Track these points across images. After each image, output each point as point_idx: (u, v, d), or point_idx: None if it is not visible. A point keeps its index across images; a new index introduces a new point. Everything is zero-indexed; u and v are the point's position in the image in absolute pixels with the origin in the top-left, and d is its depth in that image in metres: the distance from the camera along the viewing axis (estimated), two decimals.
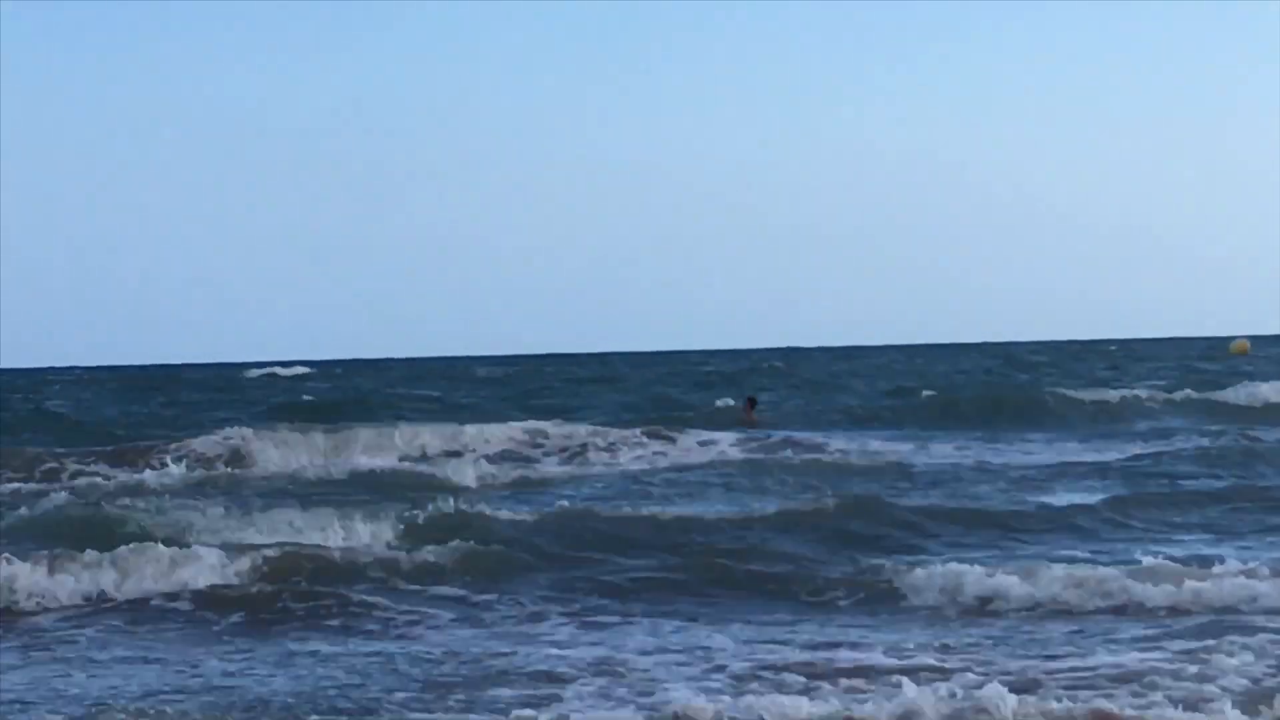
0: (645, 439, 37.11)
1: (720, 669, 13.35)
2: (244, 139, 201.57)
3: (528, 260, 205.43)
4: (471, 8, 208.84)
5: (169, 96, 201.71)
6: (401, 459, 34.63)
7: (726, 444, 35.97)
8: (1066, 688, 12.18)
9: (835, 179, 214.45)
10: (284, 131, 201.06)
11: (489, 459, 33.77)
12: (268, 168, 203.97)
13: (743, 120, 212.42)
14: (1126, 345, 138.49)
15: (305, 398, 65.37)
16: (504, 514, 22.42)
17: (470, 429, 38.26)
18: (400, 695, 12.61)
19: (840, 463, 31.53)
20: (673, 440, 37.00)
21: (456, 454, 35.54)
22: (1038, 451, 35.04)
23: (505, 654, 14.15)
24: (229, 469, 32.85)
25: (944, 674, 12.74)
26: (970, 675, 12.65)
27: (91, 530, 20.75)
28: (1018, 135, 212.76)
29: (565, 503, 24.31)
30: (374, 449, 35.83)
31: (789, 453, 34.06)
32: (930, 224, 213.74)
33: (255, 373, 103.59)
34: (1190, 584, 16.06)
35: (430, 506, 22.30)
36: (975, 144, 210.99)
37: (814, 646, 14.15)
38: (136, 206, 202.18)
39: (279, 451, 35.25)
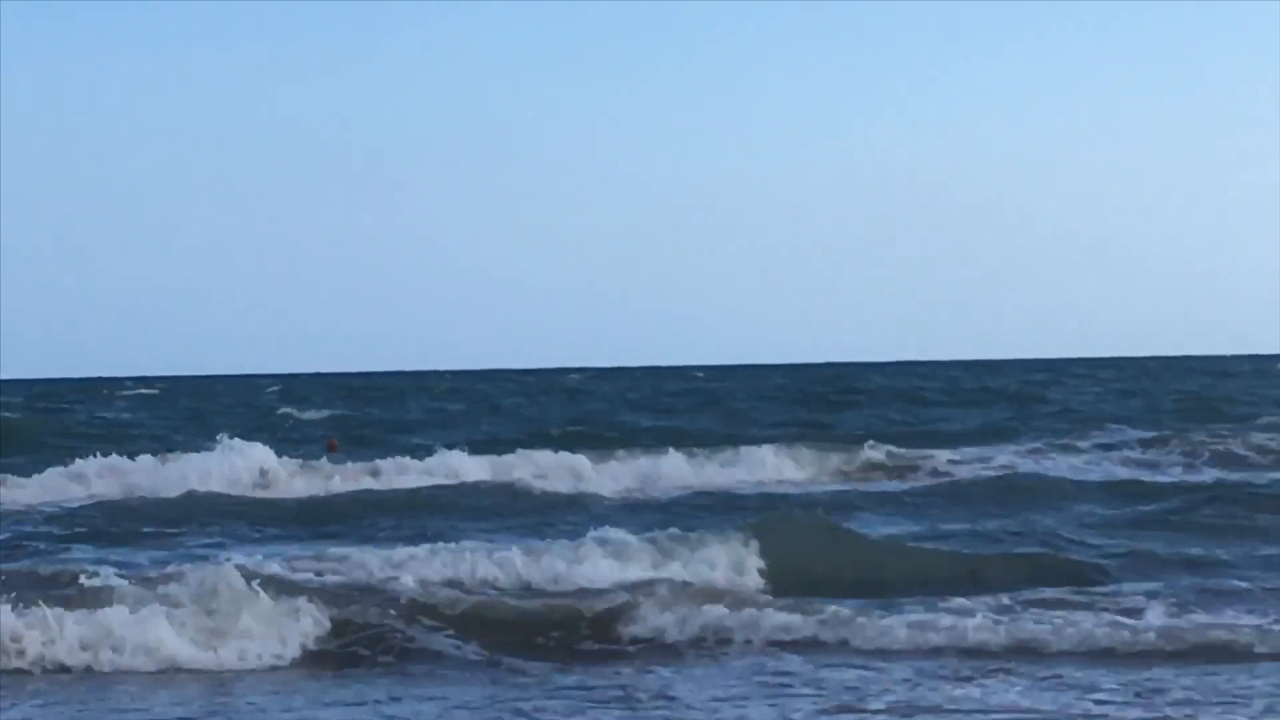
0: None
1: None
2: (269, 149, 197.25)
3: (536, 273, 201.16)
4: (485, 14, 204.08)
5: (185, 107, 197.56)
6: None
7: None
8: None
9: (848, 192, 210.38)
10: (309, 142, 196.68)
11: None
12: (297, 179, 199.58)
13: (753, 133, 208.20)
14: (1153, 363, 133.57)
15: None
16: None
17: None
18: None
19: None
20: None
21: None
22: None
23: None
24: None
25: None
26: None
27: None
28: (1031, 149, 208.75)
29: None
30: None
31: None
32: (936, 238, 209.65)
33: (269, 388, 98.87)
34: None
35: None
36: (992, 159, 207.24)
37: None
38: (161, 216, 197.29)
39: None
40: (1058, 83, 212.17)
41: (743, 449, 34.88)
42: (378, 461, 33.50)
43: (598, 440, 40.52)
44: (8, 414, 54.90)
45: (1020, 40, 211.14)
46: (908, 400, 67.52)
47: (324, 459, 36.01)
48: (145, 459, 32.44)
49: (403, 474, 32.11)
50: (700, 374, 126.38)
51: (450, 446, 35.01)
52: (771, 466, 33.43)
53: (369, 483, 31.20)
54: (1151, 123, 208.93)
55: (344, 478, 32.02)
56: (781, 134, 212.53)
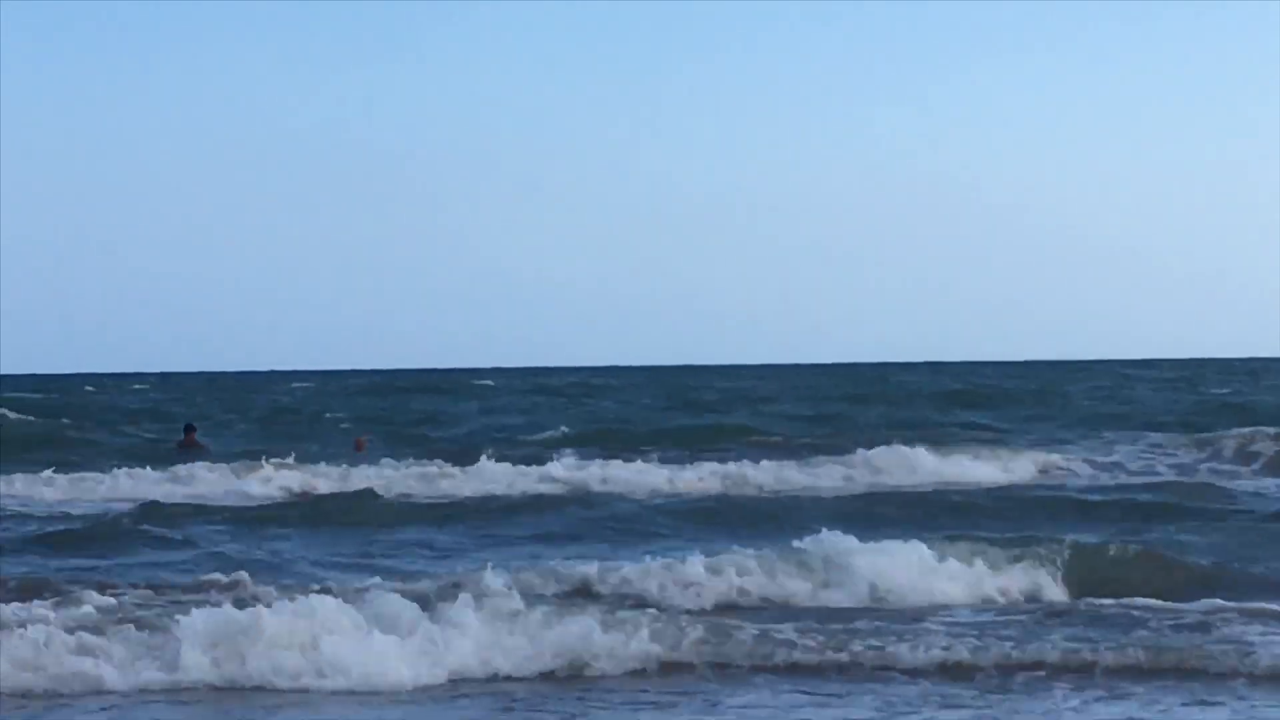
0: None
1: None
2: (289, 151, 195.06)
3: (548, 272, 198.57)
4: (492, 17, 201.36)
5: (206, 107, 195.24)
6: None
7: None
8: None
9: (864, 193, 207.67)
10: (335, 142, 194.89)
11: None
12: (322, 179, 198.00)
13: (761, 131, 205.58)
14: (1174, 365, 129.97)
15: None
16: None
17: None
18: None
19: None
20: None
21: None
22: None
23: None
24: None
25: None
26: None
27: None
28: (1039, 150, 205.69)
29: None
30: None
31: None
32: (951, 239, 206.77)
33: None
34: None
35: None
36: (1010, 161, 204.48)
37: None
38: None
39: None
40: (1092, 81, 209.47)
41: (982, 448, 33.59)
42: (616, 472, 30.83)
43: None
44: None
45: (1049, 39, 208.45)
46: (975, 401, 64.16)
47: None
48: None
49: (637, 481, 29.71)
50: (741, 374, 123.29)
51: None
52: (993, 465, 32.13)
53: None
54: (1182, 123, 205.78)
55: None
56: (806, 134, 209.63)
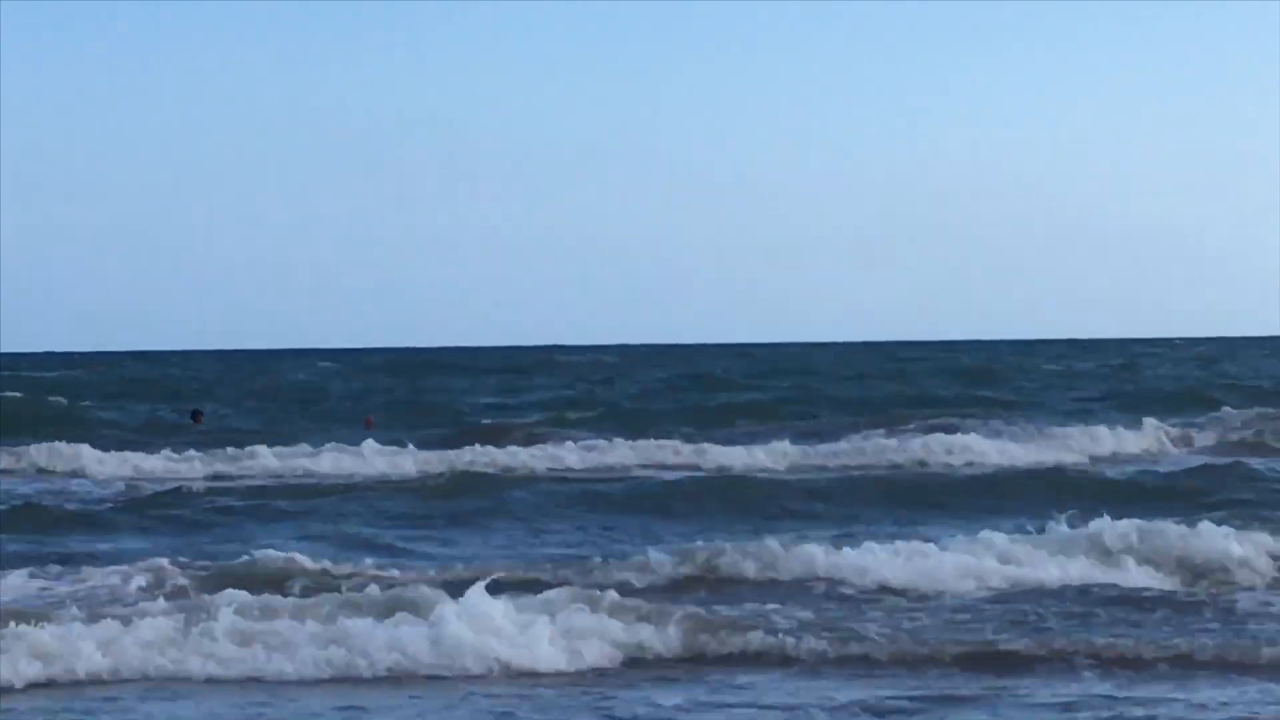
0: None
1: None
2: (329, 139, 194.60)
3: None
4: (492, 17, 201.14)
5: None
6: None
7: None
8: None
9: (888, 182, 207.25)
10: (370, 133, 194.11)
11: None
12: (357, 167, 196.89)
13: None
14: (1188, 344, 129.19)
15: None
16: None
17: None
18: None
19: None
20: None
21: None
22: None
23: None
24: None
25: None
26: None
27: None
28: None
29: None
30: None
31: None
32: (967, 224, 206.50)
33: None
34: None
35: None
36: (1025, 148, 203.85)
37: None
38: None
39: None
40: (1092, 78, 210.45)
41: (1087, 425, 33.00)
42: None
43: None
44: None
45: (1049, 38, 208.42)
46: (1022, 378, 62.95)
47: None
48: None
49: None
50: (744, 354, 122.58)
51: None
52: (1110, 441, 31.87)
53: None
54: (1181, 117, 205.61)
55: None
56: (806, 130, 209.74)
